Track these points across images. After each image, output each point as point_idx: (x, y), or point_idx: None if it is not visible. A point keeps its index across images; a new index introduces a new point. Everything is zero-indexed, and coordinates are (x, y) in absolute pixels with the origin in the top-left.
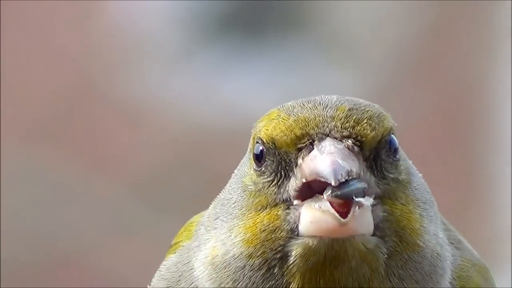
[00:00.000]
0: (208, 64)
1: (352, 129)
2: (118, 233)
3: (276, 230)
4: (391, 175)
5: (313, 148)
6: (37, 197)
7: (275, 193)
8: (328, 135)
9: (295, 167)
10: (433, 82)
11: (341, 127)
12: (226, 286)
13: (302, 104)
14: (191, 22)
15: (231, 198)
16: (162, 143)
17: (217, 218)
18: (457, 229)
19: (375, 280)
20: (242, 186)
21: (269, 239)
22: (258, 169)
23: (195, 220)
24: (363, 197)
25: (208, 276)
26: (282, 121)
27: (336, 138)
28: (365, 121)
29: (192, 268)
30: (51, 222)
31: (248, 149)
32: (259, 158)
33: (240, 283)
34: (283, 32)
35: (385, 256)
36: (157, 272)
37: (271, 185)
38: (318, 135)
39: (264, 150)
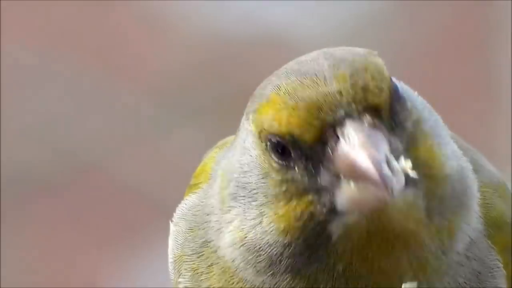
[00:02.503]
0: None
1: (365, 101)
2: (138, 140)
3: (313, 216)
4: (407, 123)
5: (339, 139)
6: (55, 105)
7: (303, 183)
8: (346, 117)
9: (324, 159)
10: None
11: (354, 102)
12: (262, 268)
13: (300, 82)
14: None
15: (249, 183)
16: (181, 50)
17: (234, 199)
18: (476, 141)
19: (420, 230)
20: (262, 173)
21: (307, 226)
22: (280, 162)
23: (209, 161)
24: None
25: (240, 257)
26: (293, 112)
27: (354, 118)
28: (370, 83)
29: (214, 230)
30: (69, 129)
31: (248, 130)
32: (277, 150)
33: (277, 267)
34: None
35: (424, 202)
36: (178, 209)
37: (299, 177)
38: (336, 121)
39: (284, 143)
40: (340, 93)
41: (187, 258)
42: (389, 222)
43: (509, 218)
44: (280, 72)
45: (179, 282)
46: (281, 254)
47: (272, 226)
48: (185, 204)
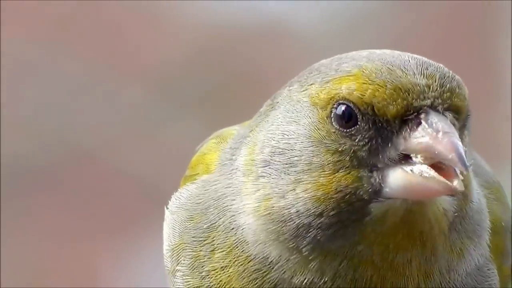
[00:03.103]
0: None
1: (450, 101)
2: (136, 131)
3: (357, 192)
4: (465, 141)
5: (421, 123)
6: (53, 96)
7: (362, 157)
8: (431, 108)
9: (396, 137)
10: None
11: (440, 99)
12: (285, 240)
13: (387, 68)
14: None
15: (291, 149)
16: (179, 40)
17: (267, 165)
18: (476, 139)
19: (439, 239)
20: (311, 141)
21: (346, 200)
22: (345, 130)
23: (208, 152)
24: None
25: (262, 227)
26: (380, 88)
27: (439, 111)
28: (457, 90)
29: (227, 208)
30: (68, 120)
31: (298, 101)
32: (345, 119)
33: (302, 239)
34: None
35: (454, 214)
36: (175, 198)
37: (361, 149)
38: (422, 108)
39: (356, 113)
40: (429, 87)
41: (186, 246)
42: (422, 218)
43: (504, 221)
44: (354, 56)
45: (177, 270)
46: (309, 225)
47: (307, 193)
48: (183, 194)
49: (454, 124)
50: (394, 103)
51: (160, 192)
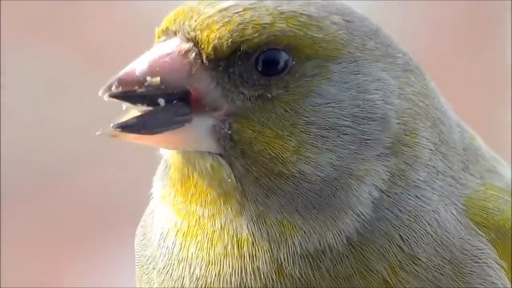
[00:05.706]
0: None
1: (200, 33)
2: (105, 144)
3: None
4: (253, 92)
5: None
6: (30, 92)
7: None
8: (176, 34)
9: None
10: None
11: (190, 28)
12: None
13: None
14: None
15: None
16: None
17: None
18: (482, 120)
19: (232, 200)
20: None
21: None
22: None
23: None
24: (184, 112)
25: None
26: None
27: (181, 39)
28: (217, 26)
29: None
30: (45, 116)
31: None
32: None
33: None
34: None
35: (232, 176)
36: None
37: None
38: (170, 33)
39: None
40: (197, 16)
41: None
42: (193, 165)
43: None
44: None
45: None
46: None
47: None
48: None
49: (184, 55)
50: (161, 25)
51: (129, 203)
